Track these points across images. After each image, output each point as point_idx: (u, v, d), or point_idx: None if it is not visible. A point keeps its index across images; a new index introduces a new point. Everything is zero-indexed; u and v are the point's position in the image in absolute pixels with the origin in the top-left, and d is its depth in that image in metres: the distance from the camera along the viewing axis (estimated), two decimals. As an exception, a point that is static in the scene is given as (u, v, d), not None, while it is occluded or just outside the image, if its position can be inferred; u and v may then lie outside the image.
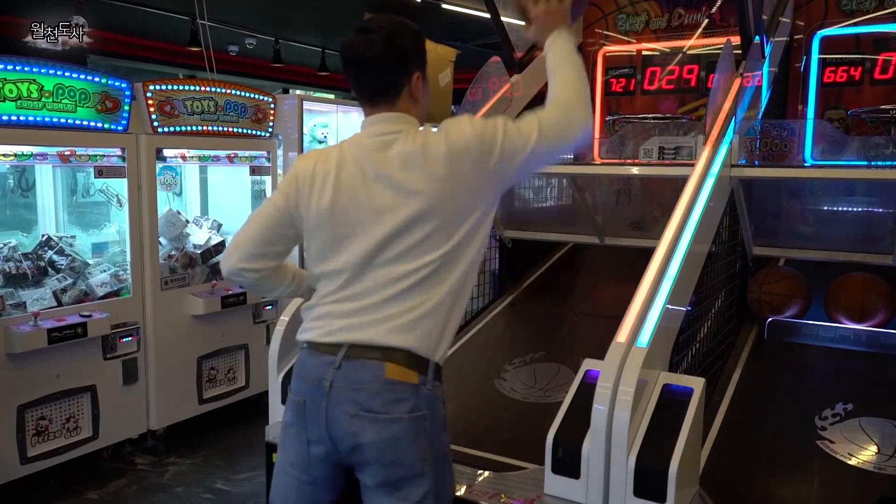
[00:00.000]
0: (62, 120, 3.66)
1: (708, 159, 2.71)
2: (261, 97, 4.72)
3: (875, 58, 4.10)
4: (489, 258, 3.87)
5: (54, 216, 4.18)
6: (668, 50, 4.64)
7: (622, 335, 2.07)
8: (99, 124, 3.83)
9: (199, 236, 4.63)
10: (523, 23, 1.95)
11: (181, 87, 4.24)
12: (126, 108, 3.94)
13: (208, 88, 4.38)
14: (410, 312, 1.70)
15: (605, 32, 4.81)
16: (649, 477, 1.89)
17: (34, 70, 3.52)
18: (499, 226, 3.90)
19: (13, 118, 3.47)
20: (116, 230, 4.31)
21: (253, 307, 4.66)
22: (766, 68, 3.55)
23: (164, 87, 4.13)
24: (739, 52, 3.19)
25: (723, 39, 3.27)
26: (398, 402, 1.68)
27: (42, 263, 3.84)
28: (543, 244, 4.22)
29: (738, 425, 2.63)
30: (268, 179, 4.89)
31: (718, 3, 4.37)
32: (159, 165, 4.20)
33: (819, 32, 4.21)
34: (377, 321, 1.71)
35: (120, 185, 4.08)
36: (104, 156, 3.92)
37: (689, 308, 2.47)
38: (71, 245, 4.03)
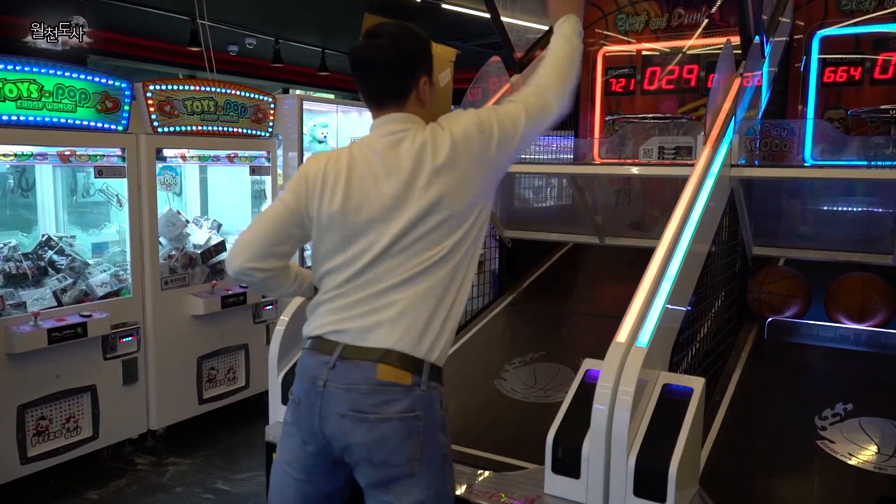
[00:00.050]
0: (62, 120, 3.66)
1: (708, 159, 2.71)
2: (261, 97, 4.72)
3: (875, 58, 4.11)
4: (489, 258, 3.88)
5: (54, 216, 4.18)
6: (668, 50, 4.65)
7: (622, 335, 2.07)
8: (99, 124, 3.83)
9: (199, 236, 4.63)
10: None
11: (181, 87, 4.23)
12: (126, 108, 3.94)
13: (208, 88, 4.38)
14: (408, 310, 1.72)
15: (604, 32, 4.82)
16: (649, 477, 1.89)
17: (34, 70, 3.52)
18: (499, 226, 3.90)
19: (13, 118, 3.47)
20: (116, 230, 4.31)
21: (253, 307, 4.66)
22: (765, 68, 3.55)
23: (164, 87, 4.13)
24: (739, 52, 3.19)
25: (723, 39, 3.27)
26: (389, 402, 1.69)
27: (42, 263, 3.84)
28: (543, 244, 4.22)
29: (738, 425, 2.63)
30: (268, 179, 4.89)
31: (718, 3, 4.37)
32: (159, 165, 4.19)
33: (819, 32, 4.21)
34: (374, 316, 1.73)
35: (120, 185, 4.08)
36: (104, 156, 3.91)
37: (689, 308, 2.48)
38: (71, 245, 4.03)
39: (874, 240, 3.24)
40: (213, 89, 4.40)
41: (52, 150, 3.71)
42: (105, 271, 4.03)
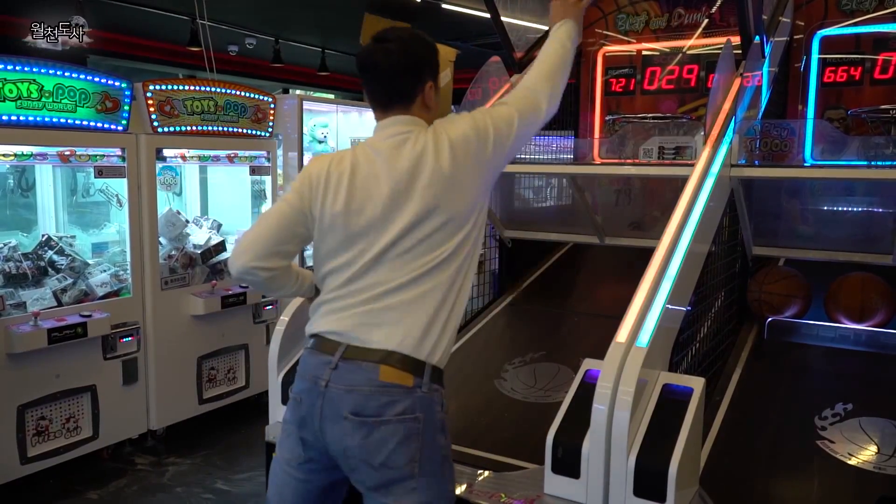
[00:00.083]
0: (62, 120, 3.66)
1: (708, 159, 2.71)
2: (261, 97, 4.72)
3: (875, 58, 4.10)
4: (489, 258, 3.88)
5: (54, 216, 4.18)
6: (668, 50, 4.65)
7: (622, 335, 2.07)
8: (99, 124, 3.82)
9: (199, 236, 4.63)
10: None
11: (181, 87, 4.23)
12: (126, 108, 3.94)
13: (208, 88, 4.38)
14: (409, 311, 1.73)
15: (605, 32, 4.82)
16: (649, 477, 1.89)
17: (34, 70, 3.52)
18: (499, 226, 3.90)
19: (13, 118, 3.47)
20: (116, 230, 4.31)
21: (253, 307, 4.66)
22: (766, 68, 3.55)
23: (163, 87, 4.13)
24: (739, 52, 3.19)
25: (723, 39, 3.27)
26: (391, 404, 1.70)
27: (42, 263, 3.84)
28: (543, 244, 4.22)
29: (738, 425, 2.63)
30: (268, 179, 4.89)
31: (718, 3, 4.37)
32: (159, 165, 4.19)
33: (819, 32, 4.21)
34: (376, 318, 1.74)
35: (120, 185, 4.08)
36: (104, 156, 3.91)
37: (689, 308, 2.48)
38: (71, 245, 4.03)
39: (874, 240, 3.23)
40: (213, 89, 4.40)
41: (52, 150, 3.71)
42: (105, 271, 4.03)
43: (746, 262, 3.48)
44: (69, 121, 3.69)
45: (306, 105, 5.18)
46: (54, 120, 3.63)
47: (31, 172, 4.10)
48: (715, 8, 4.40)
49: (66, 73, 3.65)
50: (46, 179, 4.15)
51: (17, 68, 3.47)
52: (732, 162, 2.91)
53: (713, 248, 2.75)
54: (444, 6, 8.40)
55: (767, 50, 3.50)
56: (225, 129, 4.49)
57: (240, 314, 4.60)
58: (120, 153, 3.96)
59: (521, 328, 3.75)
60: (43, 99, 3.56)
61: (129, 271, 4.06)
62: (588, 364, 2.22)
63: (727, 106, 2.96)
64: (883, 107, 3.88)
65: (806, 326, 3.37)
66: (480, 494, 2.16)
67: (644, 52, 4.71)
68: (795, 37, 4.27)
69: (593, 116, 4.85)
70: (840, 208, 3.43)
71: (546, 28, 2.15)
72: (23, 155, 3.64)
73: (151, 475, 3.89)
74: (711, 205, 2.61)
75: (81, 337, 3.69)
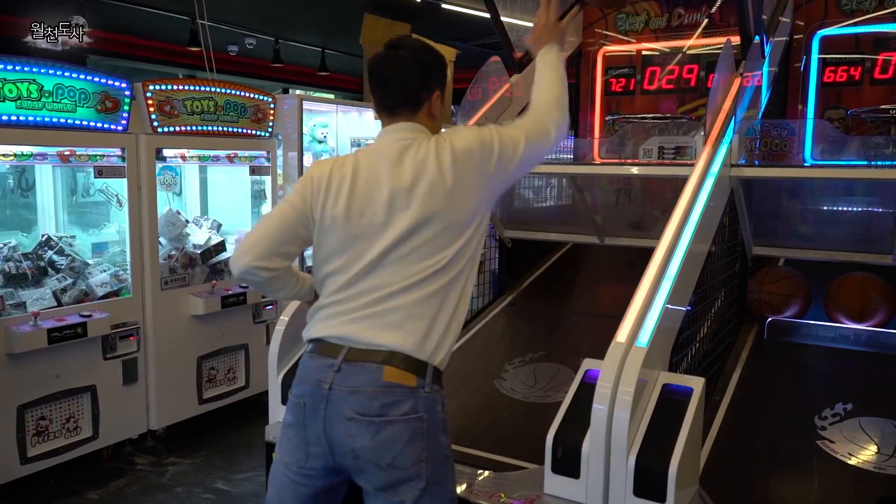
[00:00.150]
0: (62, 120, 3.66)
1: (708, 159, 2.71)
2: (260, 97, 4.72)
3: (875, 58, 4.10)
4: (489, 258, 3.88)
5: (54, 216, 4.18)
6: (667, 50, 4.65)
7: (622, 335, 2.07)
8: (99, 124, 3.82)
9: (199, 236, 4.63)
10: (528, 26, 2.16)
11: (181, 87, 4.23)
12: (126, 108, 3.94)
13: (208, 88, 4.38)
14: (411, 314, 1.74)
15: (604, 32, 4.81)
16: (649, 477, 1.89)
17: (34, 70, 3.52)
18: (499, 226, 3.90)
19: (13, 118, 3.47)
20: (116, 230, 4.31)
21: (253, 307, 4.66)
22: (765, 68, 3.55)
23: (163, 87, 4.13)
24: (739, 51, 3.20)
25: (723, 39, 3.27)
26: (395, 404, 1.71)
27: (42, 263, 3.84)
28: (543, 244, 4.22)
29: (738, 425, 2.63)
30: (267, 179, 4.89)
31: (718, 3, 4.37)
32: (159, 165, 4.19)
33: (819, 32, 4.21)
34: (378, 320, 1.75)
35: (120, 185, 4.08)
36: (104, 156, 3.91)
37: (688, 308, 2.48)
38: (71, 245, 4.03)
39: (874, 240, 3.24)
40: (212, 89, 4.40)
41: (51, 150, 3.71)
42: (105, 271, 4.03)
43: (746, 262, 3.48)
44: (69, 121, 3.69)
45: (306, 105, 5.19)
46: (54, 120, 3.62)
47: (31, 172, 4.10)
48: (715, 8, 4.40)
49: (66, 73, 3.65)
50: (46, 179, 4.14)
51: (17, 68, 3.46)
52: (732, 162, 2.91)
53: (713, 248, 2.75)
54: (444, 6, 8.40)
55: (767, 50, 3.50)
56: (225, 129, 4.49)
57: (240, 314, 4.60)
58: (120, 153, 3.96)
59: (521, 328, 3.75)
60: (43, 99, 3.56)
61: (128, 271, 4.06)
62: (588, 364, 2.22)
63: (727, 106, 2.96)
64: (883, 107, 3.88)
65: (806, 326, 3.38)
66: (480, 494, 2.16)
67: (644, 52, 4.71)
68: (795, 37, 4.27)
69: (593, 116, 4.85)
70: (840, 208, 3.43)
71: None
72: (23, 155, 3.64)
73: (151, 475, 3.89)
74: (711, 205, 2.61)
75: (81, 337, 3.69)
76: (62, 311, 3.71)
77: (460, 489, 2.14)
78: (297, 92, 9.44)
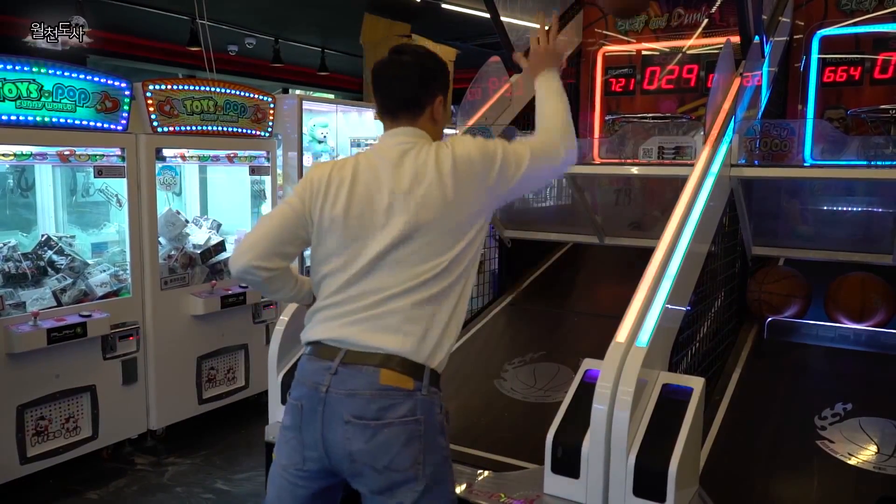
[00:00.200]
0: (62, 120, 3.65)
1: (708, 159, 2.71)
2: (260, 97, 4.72)
3: (875, 58, 4.10)
4: (489, 258, 3.88)
5: (54, 216, 4.18)
6: (667, 50, 4.64)
7: (622, 335, 2.07)
8: (98, 124, 3.82)
9: (199, 236, 4.63)
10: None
11: (181, 87, 4.23)
12: (125, 107, 3.94)
13: (208, 88, 4.38)
14: (409, 317, 1.75)
15: (604, 32, 4.81)
16: (649, 476, 1.89)
17: (34, 70, 3.52)
18: (499, 226, 3.90)
19: (13, 118, 3.47)
20: (116, 230, 4.31)
21: (253, 307, 4.66)
22: (765, 68, 3.55)
23: (163, 87, 4.13)
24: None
25: (723, 39, 3.27)
26: (391, 407, 1.71)
27: (42, 263, 3.84)
28: (543, 244, 4.22)
29: (738, 425, 2.63)
30: (267, 179, 4.89)
31: (718, 3, 4.37)
32: (159, 165, 4.19)
33: (819, 32, 4.20)
34: (375, 323, 1.75)
35: (119, 185, 4.08)
36: (104, 156, 3.91)
37: (688, 308, 2.48)
38: (70, 245, 4.03)
39: (874, 240, 3.24)
40: (212, 89, 4.40)
41: (51, 150, 3.70)
42: (105, 271, 4.02)
43: (746, 262, 3.48)
44: (69, 121, 3.69)
45: (306, 105, 5.19)
46: (54, 120, 3.62)
47: (31, 172, 4.10)
48: (715, 8, 4.40)
49: (66, 73, 3.65)
50: (46, 179, 4.14)
51: (17, 68, 3.46)
52: (732, 162, 2.91)
53: (713, 248, 2.75)
54: (443, 6, 8.40)
55: (767, 50, 3.50)
56: (225, 129, 4.49)
57: (239, 314, 4.60)
58: (119, 153, 3.96)
59: (521, 328, 3.75)
60: (43, 99, 3.56)
61: (128, 271, 4.05)
62: (588, 364, 2.22)
63: (727, 106, 2.96)
64: (883, 107, 3.88)
65: (806, 326, 3.38)
66: (480, 494, 2.16)
67: (644, 52, 4.71)
68: (795, 37, 4.27)
69: (593, 116, 4.85)
70: (840, 208, 3.43)
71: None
72: (22, 155, 3.64)
73: (151, 475, 3.89)
74: (711, 205, 2.62)
75: (81, 337, 3.69)
76: (62, 311, 3.70)
77: (460, 489, 2.15)
78: (297, 92, 9.44)
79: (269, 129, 4.82)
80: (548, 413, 2.25)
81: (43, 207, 4.15)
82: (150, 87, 4.06)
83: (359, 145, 5.65)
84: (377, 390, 1.71)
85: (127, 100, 3.93)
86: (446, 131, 2.06)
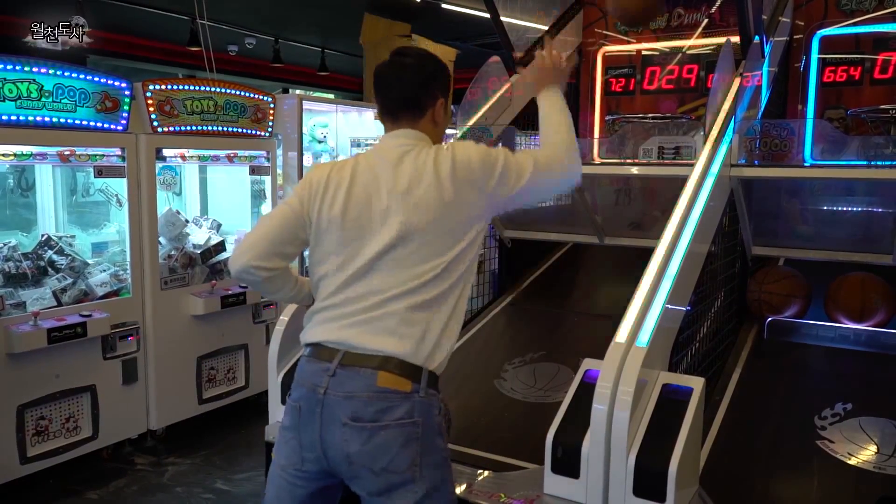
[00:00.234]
0: (62, 120, 3.65)
1: (708, 159, 2.71)
2: (260, 97, 4.72)
3: (875, 57, 4.10)
4: (489, 258, 3.88)
5: (54, 216, 4.18)
6: (667, 50, 4.64)
7: (622, 335, 2.07)
8: (98, 124, 3.82)
9: (199, 236, 4.63)
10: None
11: (181, 87, 4.23)
12: (126, 107, 3.94)
13: (208, 88, 4.38)
14: (406, 319, 1.75)
15: (604, 32, 4.81)
16: (649, 476, 1.89)
17: (34, 70, 3.52)
18: (499, 226, 3.90)
19: (13, 118, 3.47)
20: (116, 230, 4.31)
21: (253, 307, 4.66)
22: (765, 68, 3.55)
23: (163, 87, 4.13)
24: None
25: (723, 39, 3.27)
26: (389, 409, 1.71)
27: (42, 263, 3.84)
28: (543, 244, 4.22)
29: (738, 425, 2.63)
30: (267, 179, 4.89)
31: (718, 3, 4.37)
32: (159, 165, 4.19)
33: (819, 32, 4.20)
34: (373, 325, 1.75)
35: (119, 185, 4.08)
36: (104, 155, 3.91)
37: (688, 308, 2.48)
38: (71, 245, 4.03)
39: (874, 240, 3.24)
40: (212, 89, 4.40)
41: (51, 150, 3.70)
42: (105, 271, 4.02)
43: (746, 262, 3.48)
44: (69, 121, 3.69)
45: (306, 105, 5.19)
46: (54, 120, 3.62)
47: (31, 172, 4.10)
48: (715, 8, 4.40)
49: (66, 73, 3.65)
50: (46, 179, 4.14)
51: (17, 68, 3.46)
52: (732, 162, 2.91)
53: (713, 248, 2.75)
54: (444, 6, 8.41)
55: (767, 50, 3.50)
56: (225, 129, 4.49)
57: (239, 314, 4.60)
58: (120, 153, 3.96)
59: (521, 328, 3.75)
60: (43, 99, 3.56)
61: (128, 271, 4.05)
62: (588, 364, 2.22)
63: (727, 106, 2.96)
64: (883, 107, 3.88)
65: (806, 326, 3.38)
66: (480, 494, 2.16)
67: (644, 52, 4.71)
68: (795, 37, 4.27)
69: (593, 116, 4.85)
70: (840, 208, 3.43)
71: (545, 27, 2.15)
72: (22, 155, 3.64)
73: (151, 475, 3.89)
74: (711, 205, 2.62)
75: (81, 337, 3.69)
76: (62, 311, 3.71)
77: (460, 489, 2.15)
78: (297, 92, 9.43)
79: (269, 129, 4.82)
80: (548, 413, 2.25)
81: (43, 207, 4.15)
82: (150, 87, 4.06)
83: (359, 145, 5.65)
84: (375, 392, 1.71)
85: (127, 100, 3.93)
86: (447, 132, 2.06)
